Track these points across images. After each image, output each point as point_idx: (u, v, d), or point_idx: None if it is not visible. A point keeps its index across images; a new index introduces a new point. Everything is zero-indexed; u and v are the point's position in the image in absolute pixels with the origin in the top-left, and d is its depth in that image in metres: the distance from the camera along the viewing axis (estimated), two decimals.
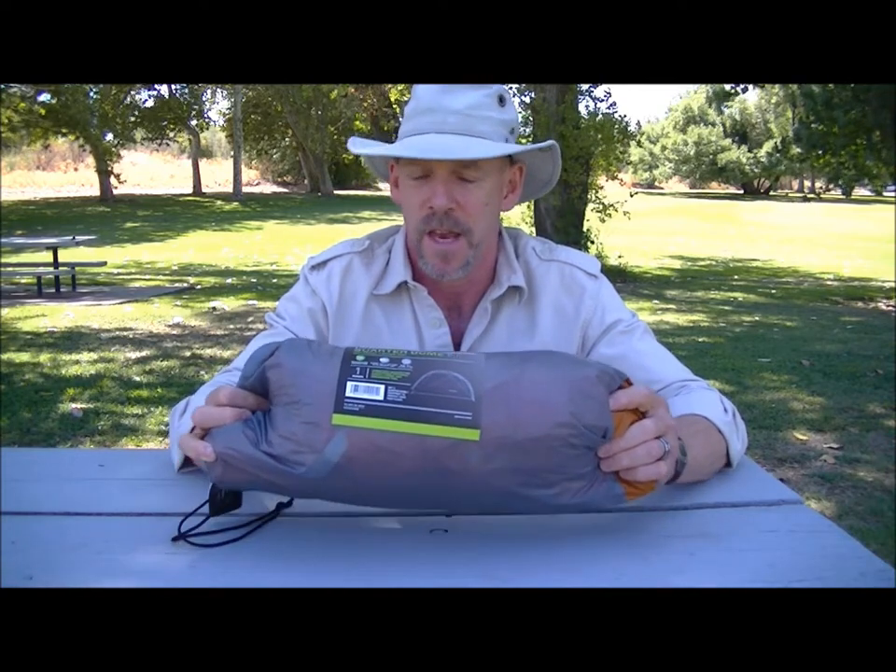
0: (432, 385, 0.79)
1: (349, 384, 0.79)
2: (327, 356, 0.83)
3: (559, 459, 0.79)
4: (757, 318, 7.45)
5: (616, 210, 10.34)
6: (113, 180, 26.08)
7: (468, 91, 1.07)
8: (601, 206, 10.39)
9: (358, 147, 1.14)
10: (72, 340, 5.84)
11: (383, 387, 0.79)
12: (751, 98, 41.13)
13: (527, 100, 10.70)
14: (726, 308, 8.23)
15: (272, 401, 0.82)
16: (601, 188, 10.60)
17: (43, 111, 23.79)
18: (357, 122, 30.83)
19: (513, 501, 0.81)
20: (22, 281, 9.41)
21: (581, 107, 10.59)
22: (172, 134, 30.26)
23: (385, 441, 0.77)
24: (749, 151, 37.80)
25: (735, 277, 11.51)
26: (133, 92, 27.78)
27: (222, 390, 0.85)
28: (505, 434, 0.77)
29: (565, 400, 0.78)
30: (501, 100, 1.11)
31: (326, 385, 0.79)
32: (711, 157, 38.50)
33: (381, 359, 0.81)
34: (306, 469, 0.78)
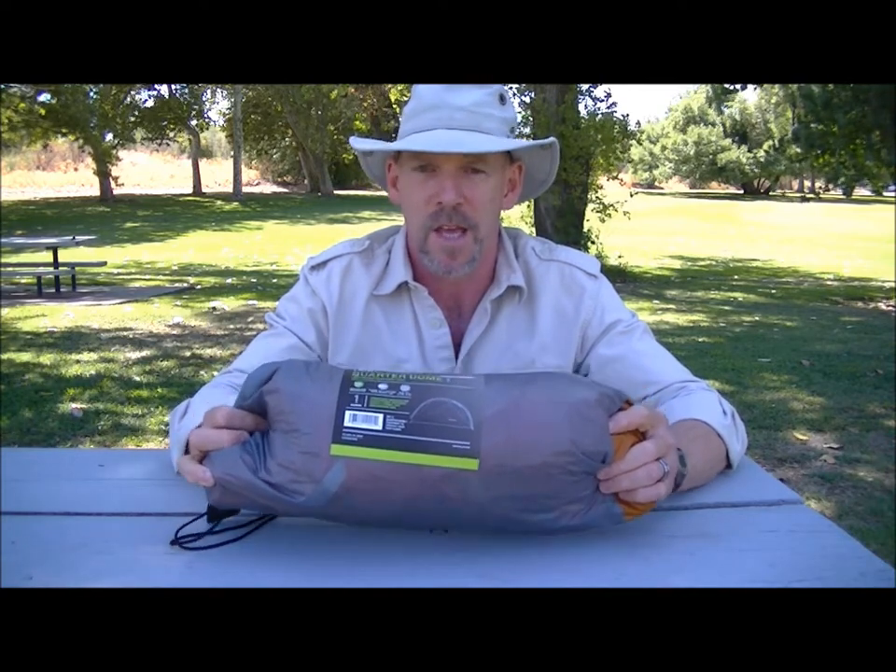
0: (431, 413, 0.79)
1: (347, 413, 0.79)
2: (325, 379, 0.82)
3: (558, 486, 0.79)
4: (757, 318, 7.45)
5: (616, 210, 10.33)
6: (112, 181, 26.08)
7: (471, 90, 1.08)
8: (601, 206, 10.39)
9: (363, 144, 1.15)
10: (72, 340, 5.84)
11: (381, 416, 0.79)
12: (751, 98, 41.19)
13: (527, 100, 10.70)
14: (726, 308, 8.23)
15: (270, 425, 0.82)
16: (601, 188, 10.60)
17: (43, 111, 23.79)
18: (357, 122, 30.82)
19: (513, 525, 0.82)
20: (22, 281, 9.41)
21: (581, 107, 10.59)
22: (172, 134, 30.28)
23: (383, 471, 0.77)
24: (749, 151, 37.78)
25: (735, 277, 11.50)
26: (132, 92, 27.78)
27: (219, 411, 0.84)
28: (504, 462, 0.77)
29: (564, 426, 0.78)
30: (502, 98, 1.12)
31: (324, 410, 0.79)
32: (711, 157, 38.48)
33: (379, 386, 0.81)
34: (305, 499, 0.78)
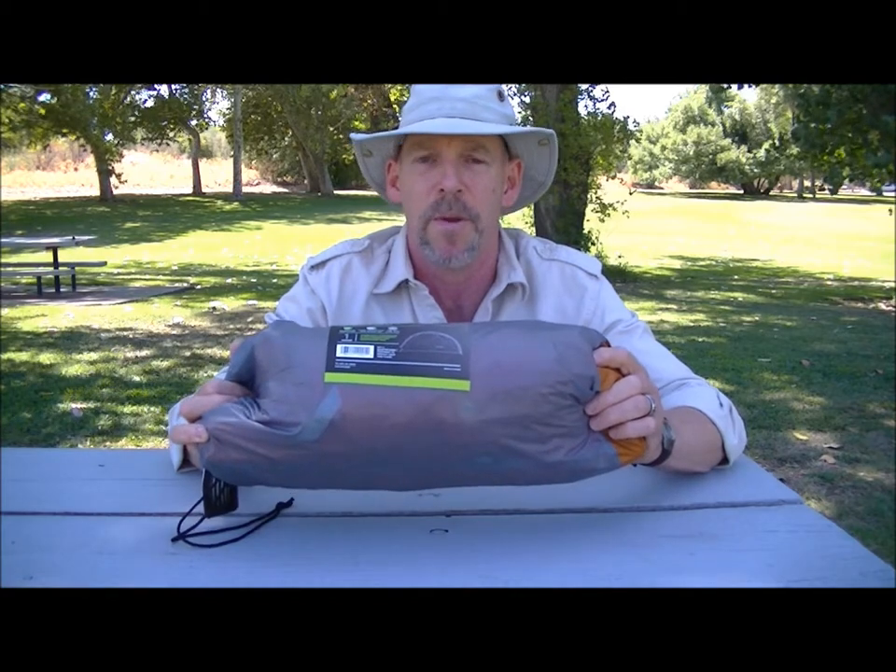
0: (420, 342, 0.81)
1: (339, 346, 0.81)
2: (315, 329, 0.86)
3: (549, 408, 0.79)
4: (757, 318, 7.45)
5: (616, 210, 10.34)
6: (113, 179, 26.04)
7: (470, 85, 1.11)
8: (601, 206, 10.39)
9: (364, 137, 1.17)
10: (72, 340, 5.84)
11: (372, 347, 0.81)
12: (751, 98, 41.14)
13: (527, 100, 10.70)
14: (726, 308, 8.23)
15: (263, 378, 0.83)
16: (600, 187, 10.60)
17: (43, 111, 23.80)
18: (357, 122, 30.82)
19: (507, 458, 0.80)
20: (22, 281, 9.41)
21: (581, 107, 10.59)
22: (172, 134, 30.24)
23: (377, 395, 0.78)
24: (749, 151, 37.76)
25: (735, 277, 11.51)
26: (133, 92, 27.77)
27: (210, 382, 0.86)
28: (495, 383, 0.79)
29: (550, 352, 0.80)
30: (500, 95, 1.14)
31: (316, 348, 0.81)
32: (711, 157, 38.44)
33: (368, 328, 0.84)
34: (301, 430, 0.78)
